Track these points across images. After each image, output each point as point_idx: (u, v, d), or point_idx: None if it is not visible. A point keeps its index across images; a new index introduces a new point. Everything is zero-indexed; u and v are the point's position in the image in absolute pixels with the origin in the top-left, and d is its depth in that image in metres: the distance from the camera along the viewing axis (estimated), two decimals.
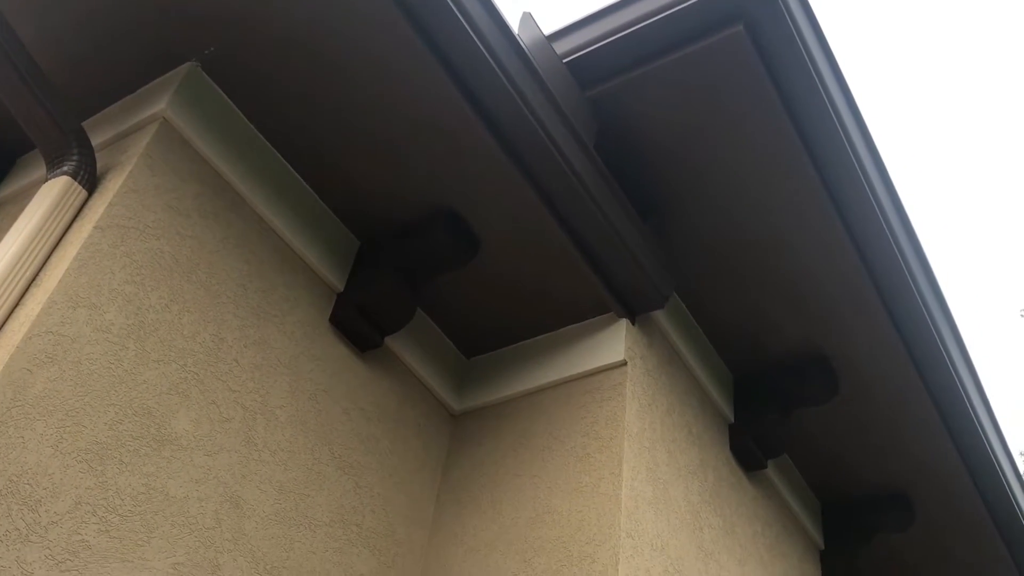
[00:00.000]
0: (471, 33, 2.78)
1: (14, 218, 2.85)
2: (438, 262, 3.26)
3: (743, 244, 3.53)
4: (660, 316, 3.56)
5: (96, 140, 2.90)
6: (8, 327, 2.31)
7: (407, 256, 3.24)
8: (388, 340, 3.35)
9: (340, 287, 3.24)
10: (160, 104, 2.82)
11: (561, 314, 3.48)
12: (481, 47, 2.81)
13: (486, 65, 2.84)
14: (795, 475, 4.30)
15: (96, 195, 2.64)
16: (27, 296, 2.39)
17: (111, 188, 2.62)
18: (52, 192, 2.59)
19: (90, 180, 2.66)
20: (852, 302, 3.63)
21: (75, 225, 2.56)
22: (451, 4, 2.72)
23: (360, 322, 3.20)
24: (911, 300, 3.62)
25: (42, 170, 2.95)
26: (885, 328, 3.68)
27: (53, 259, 2.47)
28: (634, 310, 3.42)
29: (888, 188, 3.48)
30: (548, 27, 3.40)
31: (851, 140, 3.28)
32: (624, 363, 3.27)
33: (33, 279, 2.43)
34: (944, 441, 4.05)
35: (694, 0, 3.06)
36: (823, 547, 4.33)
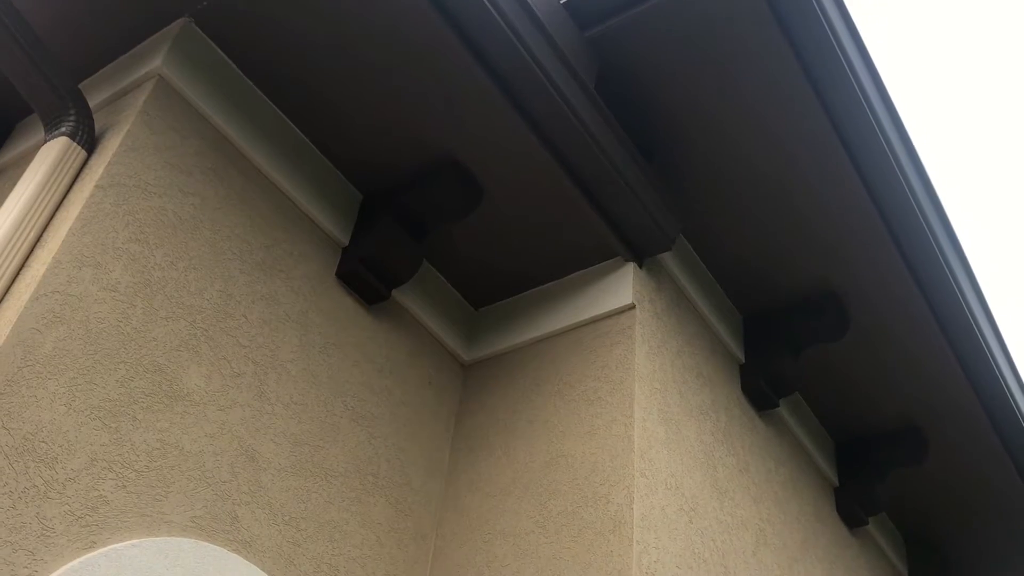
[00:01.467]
0: None
1: (15, 182, 2.84)
2: (442, 212, 3.24)
3: (749, 182, 3.50)
4: (667, 258, 3.55)
5: (93, 101, 2.88)
6: (15, 289, 2.31)
7: (410, 208, 3.23)
8: (395, 293, 3.34)
9: (345, 241, 3.23)
10: (155, 61, 2.79)
11: (568, 260, 3.47)
12: None
13: (483, 9, 2.80)
14: (807, 413, 4.31)
15: (95, 155, 2.63)
16: (32, 257, 2.39)
17: (110, 147, 2.61)
18: (51, 153, 2.58)
19: (89, 140, 2.65)
20: (861, 238, 3.60)
21: (76, 185, 2.55)
22: None
23: (366, 275, 3.19)
24: (920, 234, 3.60)
25: (40, 134, 2.93)
26: (895, 263, 3.66)
27: (56, 220, 2.47)
28: (641, 253, 3.41)
29: (895, 120, 3.44)
30: None
31: (855, 71, 3.24)
32: (632, 306, 3.27)
33: (37, 240, 2.42)
34: (956, 374, 4.05)
35: None
36: (837, 484, 4.35)
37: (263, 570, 2.51)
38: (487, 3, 2.80)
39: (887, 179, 3.46)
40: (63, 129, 2.63)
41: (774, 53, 3.12)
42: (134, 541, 2.24)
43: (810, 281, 3.79)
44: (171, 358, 2.51)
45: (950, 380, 4.11)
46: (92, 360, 2.32)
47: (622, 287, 3.33)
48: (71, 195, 2.53)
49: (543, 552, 2.85)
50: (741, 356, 3.85)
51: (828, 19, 3.09)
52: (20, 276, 2.34)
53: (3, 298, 2.29)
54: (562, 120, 3.05)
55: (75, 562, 2.11)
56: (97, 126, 2.75)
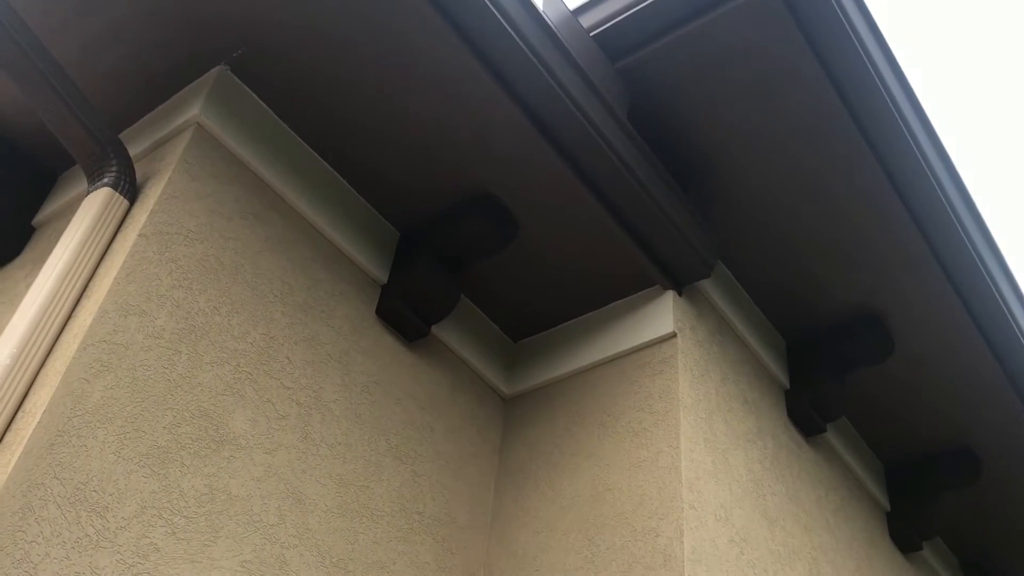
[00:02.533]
0: (496, 13, 2.76)
1: (60, 233, 2.89)
2: (478, 247, 3.25)
3: (786, 207, 3.47)
4: (707, 285, 3.52)
5: (133, 150, 2.93)
6: (63, 339, 2.34)
7: (447, 244, 3.24)
8: (435, 329, 3.35)
9: (384, 279, 3.24)
10: (193, 110, 2.83)
11: (606, 291, 3.46)
12: (507, 26, 2.79)
13: (513, 45, 2.82)
14: (855, 438, 4.24)
15: (137, 204, 2.66)
16: (79, 308, 2.42)
17: (152, 196, 2.64)
18: (95, 204, 2.61)
19: (131, 190, 2.69)
20: (902, 257, 3.56)
21: (119, 235, 2.59)
22: None
23: (406, 313, 3.20)
24: (962, 249, 3.54)
25: (83, 185, 2.99)
26: (938, 280, 3.60)
27: (101, 269, 2.50)
28: (680, 281, 3.39)
29: (933, 140, 3.40)
30: (573, 2, 3.37)
31: (891, 93, 3.21)
32: (674, 335, 3.24)
33: (83, 290, 2.46)
34: (1006, 390, 3.97)
35: None
36: (889, 509, 4.26)
37: None
38: (517, 39, 2.81)
39: (927, 197, 3.42)
40: (105, 179, 2.67)
41: (808, 77, 3.10)
42: None
43: (852, 303, 3.74)
44: (217, 403, 2.52)
45: (1000, 397, 4.02)
46: (140, 407, 2.34)
47: (662, 316, 3.31)
48: (115, 244, 2.56)
49: None
50: (786, 382, 3.80)
51: (861, 41, 3.07)
52: (67, 327, 2.37)
53: (52, 349, 2.32)
54: (595, 151, 3.05)
55: None
56: (138, 175, 2.79)
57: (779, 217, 3.50)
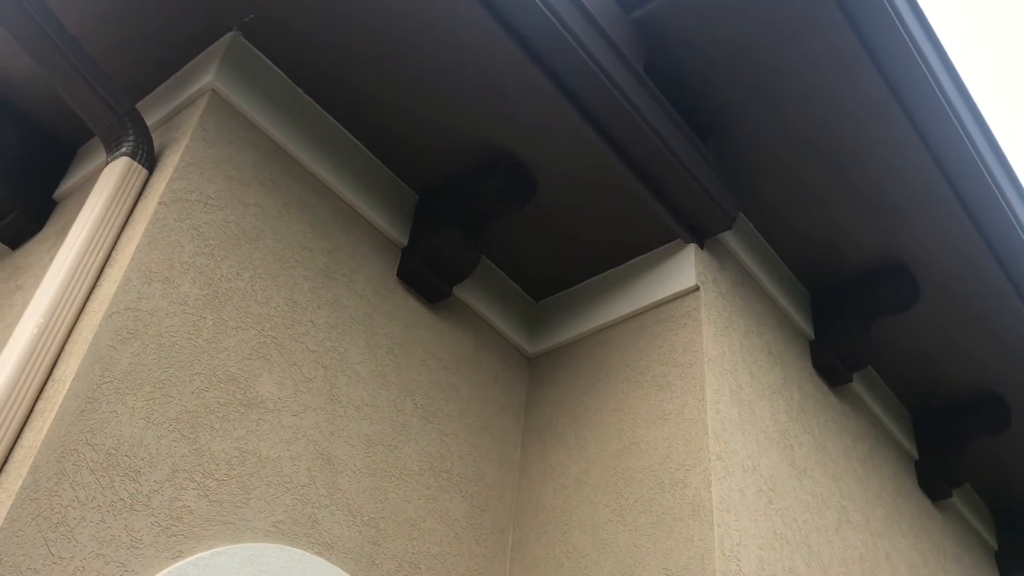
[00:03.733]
0: None
1: (82, 205, 2.91)
2: (496, 207, 3.23)
3: (808, 156, 3.43)
4: (729, 237, 3.50)
5: (150, 119, 2.93)
6: (89, 307, 2.36)
7: (466, 205, 3.23)
8: (456, 290, 3.35)
9: (404, 241, 3.24)
10: (207, 77, 2.83)
11: (626, 246, 3.44)
12: None
13: None
14: (882, 387, 4.22)
15: (156, 172, 2.67)
16: (103, 276, 2.44)
17: (170, 164, 2.65)
18: (114, 174, 2.63)
19: (149, 159, 2.69)
20: (926, 203, 3.51)
21: (140, 203, 2.60)
22: None
23: (427, 274, 3.20)
24: (988, 194, 3.50)
25: (102, 157, 3.00)
26: (963, 225, 3.56)
27: (123, 238, 2.51)
28: (701, 234, 3.36)
29: (956, 83, 3.34)
30: None
31: (913, 37, 3.15)
32: (696, 288, 3.22)
33: (107, 259, 2.47)
34: None
35: None
36: (917, 457, 4.25)
37: (346, 571, 2.53)
38: None
39: (951, 142, 3.37)
40: (123, 149, 2.68)
41: (827, 22, 3.05)
42: (219, 549, 2.27)
43: (876, 251, 3.71)
44: (243, 367, 2.54)
45: None
46: (167, 373, 2.36)
47: (684, 269, 3.29)
48: (136, 213, 2.57)
49: (622, 541, 2.83)
50: (810, 332, 3.78)
51: None
52: (93, 295, 2.39)
53: (78, 318, 2.34)
54: (612, 104, 3.02)
55: (164, 572, 2.15)
56: (155, 144, 2.80)
57: (800, 166, 3.47)
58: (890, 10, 3.05)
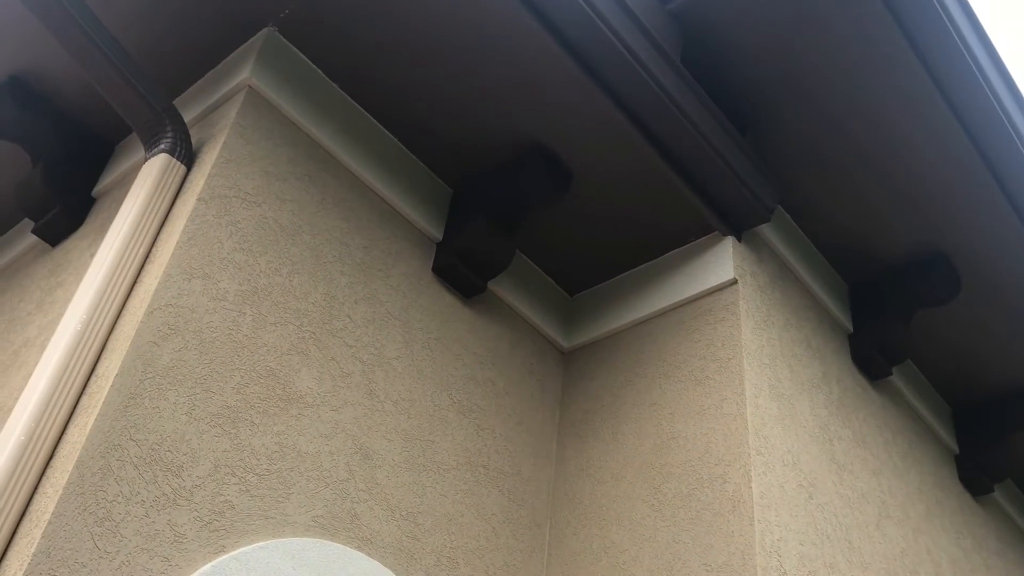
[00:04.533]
0: None
1: (121, 201, 2.93)
2: (531, 200, 3.22)
3: (848, 148, 3.38)
4: (767, 230, 3.46)
5: (187, 115, 2.95)
6: (130, 304, 2.37)
7: (500, 199, 3.22)
8: (491, 284, 3.34)
9: (439, 236, 3.24)
10: (244, 73, 2.84)
11: (663, 239, 3.41)
12: None
13: None
14: (922, 380, 4.16)
15: (195, 169, 2.68)
16: (143, 273, 2.45)
17: (208, 160, 2.66)
18: (153, 171, 2.64)
19: (187, 155, 2.70)
20: (967, 193, 3.45)
21: (179, 200, 2.61)
22: None
23: (462, 269, 3.19)
24: None
25: (140, 153, 3.02)
26: (1006, 215, 3.49)
27: (163, 235, 2.53)
28: (739, 227, 3.33)
29: (1002, 73, 3.28)
30: None
31: (958, 27, 3.09)
32: (735, 281, 3.19)
33: (147, 256, 2.49)
34: None
35: None
36: (958, 451, 4.19)
37: (385, 566, 2.54)
38: None
39: (994, 130, 3.30)
40: (162, 146, 2.69)
41: (868, 14, 3.00)
42: (261, 543, 2.28)
43: (916, 243, 3.65)
44: (282, 362, 2.55)
45: None
46: (208, 369, 2.37)
47: (722, 263, 3.26)
48: (175, 210, 2.59)
49: (661, 536, 2.81)
50: (849, 325, 3.74)
51: None
52: (133, 292, 2.41)
53: (120, 314, 2.36)
54: (649, 96, 2.99)
55: (207, 566, 2.17)
56: (193, 140, 2.81)
57: (839, 157, 3.42)
58: None
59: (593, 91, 2.95)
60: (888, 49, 3.09)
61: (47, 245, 3.23)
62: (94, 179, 3.27)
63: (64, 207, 3.15)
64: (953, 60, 3.13)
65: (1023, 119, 3.35)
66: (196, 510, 2.20)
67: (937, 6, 3.02)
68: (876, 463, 3.47)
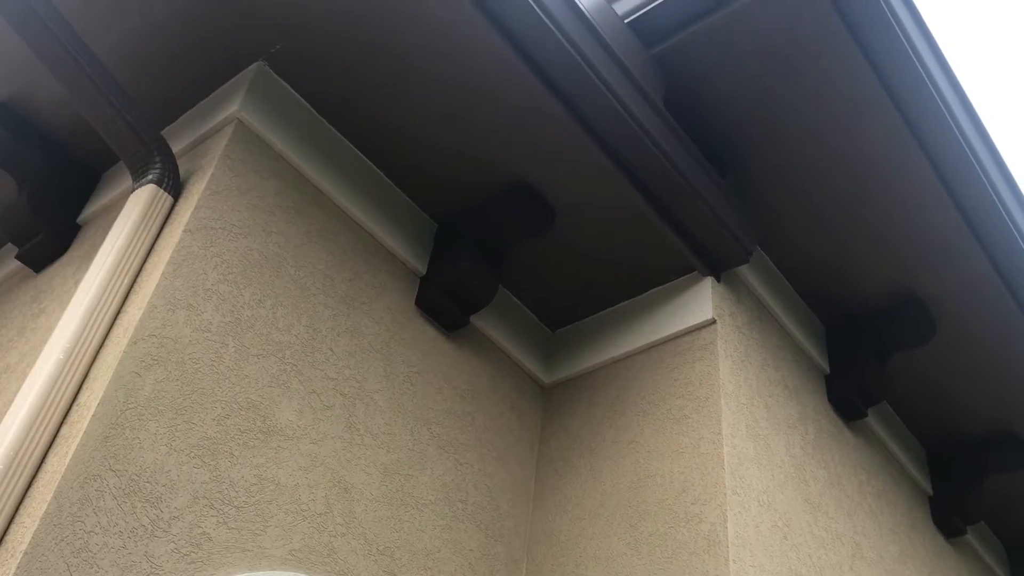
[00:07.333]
0: (532, 2, 2.76)
1: (106, 230, 2.95)
2: (515, 236, 3.26)
3: (825, 191, 3.45)
4: (746, 271, 3.51)
5: (176, 146, 2.97)
6: (113, 334, 2.38)
7: (485, 234, 3.26)
8: (474, 319, 3.37)
9: (423, 270, 3.27)
10: (233, 106, 2.87)
11: (644, 278, 3.46)
12: (541, 14, 2.79)
13: (547, 32, 2.82)
14: (897, 422, 4.21)
15: (182, 200, 2.71)
16: (128, 303, 2.46)
17: (195, 192, 2.68)
18: (140, 201, 2.66)
19: (174, 186, 2.73)
20: (943, 239, 3.52)
21: (165, 230, 2.63)
22: None
23: (445, 303, 3.22)
24: (1005, 230, 3.50)
25: (127, 181, 3.04)
26: (981, 264, 3.56)
27: (148, 265, 2.54)
28: (718, 267, 3.38)
29: (974, 122, 3.36)
30: None
31: (931, 75, 3.17)
32: (713, 321, 3.23)
33: (131, 286, 2.50)
34: None
35: None
36: (931, 493, 4.23)
37: None
38: (552, 27, 2.82)
39: (968, 178, 3.38)
40: (150, 176, 2.71)
41: (845, 60, 3.08)
42: None
43: (892, 286, 3.71)
44: (264, 394, 2.56)
45: None
46: (189, 400, 2.38)
47: (701, 302, 3.30)
48: (161, 240, 2.61)
49: (637, 574, 2.82)
50: (826, 366, 3.78)
51: (898, 19, 3.04)
52: (117, 321, 2.42)
53: (103, 344, 2.37)
54: (631, 138, 3.05)
55: None
56: (181, 171, 2.83)
57: (817, 201, 3.48)
58: (905, 44, 3.07)
59: (577, 131, 3.00)
60: (865, 97, 3.16)
61: (31, 271, 3.23)
62: (80, 206, 3.28)
63: (49, 233, 3.16)
64: (927, 109, 3.21)
65: (995, 168, 3.43)
66: (174, 542, 2.20)
67: (912, 56, 3.10)
68: (850, 504, 3.50)
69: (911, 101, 3.19)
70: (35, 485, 2.10)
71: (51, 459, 2.14)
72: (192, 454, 2.33)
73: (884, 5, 3.00)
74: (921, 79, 3.14)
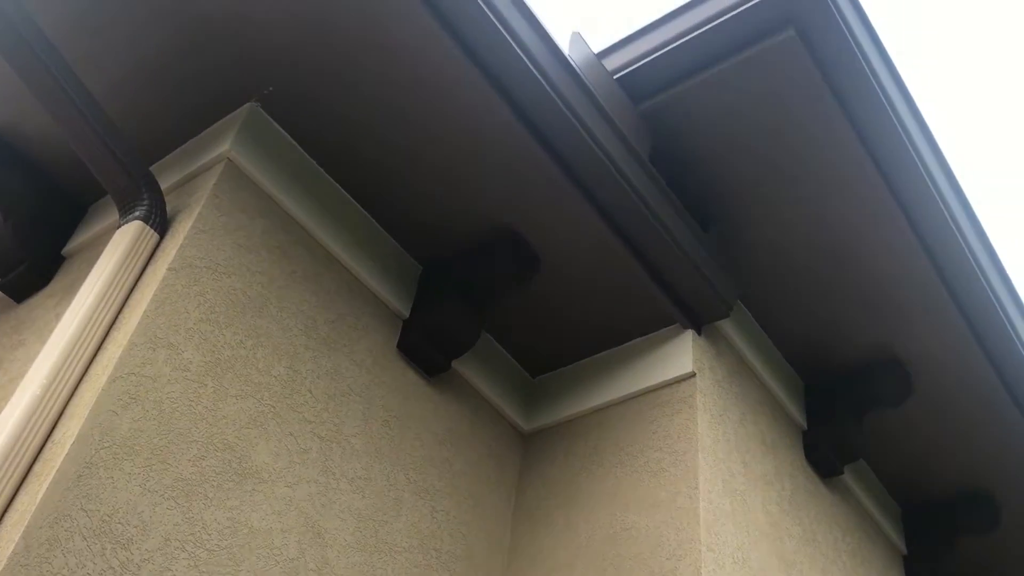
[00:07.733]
0: (522, 56, 2.81)
1: (90, 263, 2.94)
2: (499, 283, 3.27)
3: (806, 249, 3.49)
4: (726, 325, 3.54)
5: (164, 183, 2.98)
6: (92, 370, 2.37)
7: (468, 279, 3.27)
8: (455, 364, 3.37)
9: (405, 313, 3.27)
10: (224, 145, 2.88)
11: (626, 329, 3.47)
12: (532, 68, 2.83)
13: (538, 86, 2.86)
14: (873, 480, 4.22)
15: (168, 237, 2.71)
16: (108, 340, 2.45)
17: (182, 230, 2.69)
18: (126, 237, 2.66)
19: (161, 223, 2.73)
20: (922, 302, 3.57)
21: (149, 268, 2.63)
22: (501, 28, 2.75)
23: (427, 347, 3.22)
24: (983, 296, 3.55)
25: (114, 216, 3.04)
26: (958, 326, 3.61)
27: (131, 302, 2.54)
28: (699, 321, 3.40)
29: (953, 185, 3.43)
30: (597, 45, 3.42)
31: (912, 140, 3.24)
32: (693, 374, 3.25)
33: (113, 323, 2.49)
34: None
35: (742, 8, 3.05)
36: (906, 552, 4.24)
37: None
38: (543, 81, 2.86)
39: (947, 243, 3.43)
40: (137, 213, 2.71)
41: (828, 122, 3.14)
42: None
43: (871, 345, 3.75)
44: (241, 435, 2.55)
45: (1021, 443, 4.00)
46: (166, 440, 2.37)
47: (682, 355, 3.32)
48: (145, 277, 2.60)
49: None
50: (803, 423, 3.80)
51: (882, 86, 3.11)
52: (97, 358, 2.41)
53: (81, 380, 2.36)
54: (617, 191, 3.08)
55: None
56: (168, 208, 2.84)
57: (798, 258, 3.52)
58: (891, 112, 3.14)
59: (564, 183, 3.03)
60: (848, 160, 3.22)
61: (12, 301, 3.22)
62: (65, 237, 3.28)
63: (32, 264, 3.15)
64: (911, 176, 3.27)
65: (974, 234, 3.49)
66: None
67: (896, 124, 3.16)
68: (825, 561, 3.50)
69: (893, 167, 3.25)
70: (4, 523, 2.07)
71: (22, 497, 2.11)
72: (166, 495, 2.31)
73: (868, 72, 3.06)
74: (904, 146, 3.21)
